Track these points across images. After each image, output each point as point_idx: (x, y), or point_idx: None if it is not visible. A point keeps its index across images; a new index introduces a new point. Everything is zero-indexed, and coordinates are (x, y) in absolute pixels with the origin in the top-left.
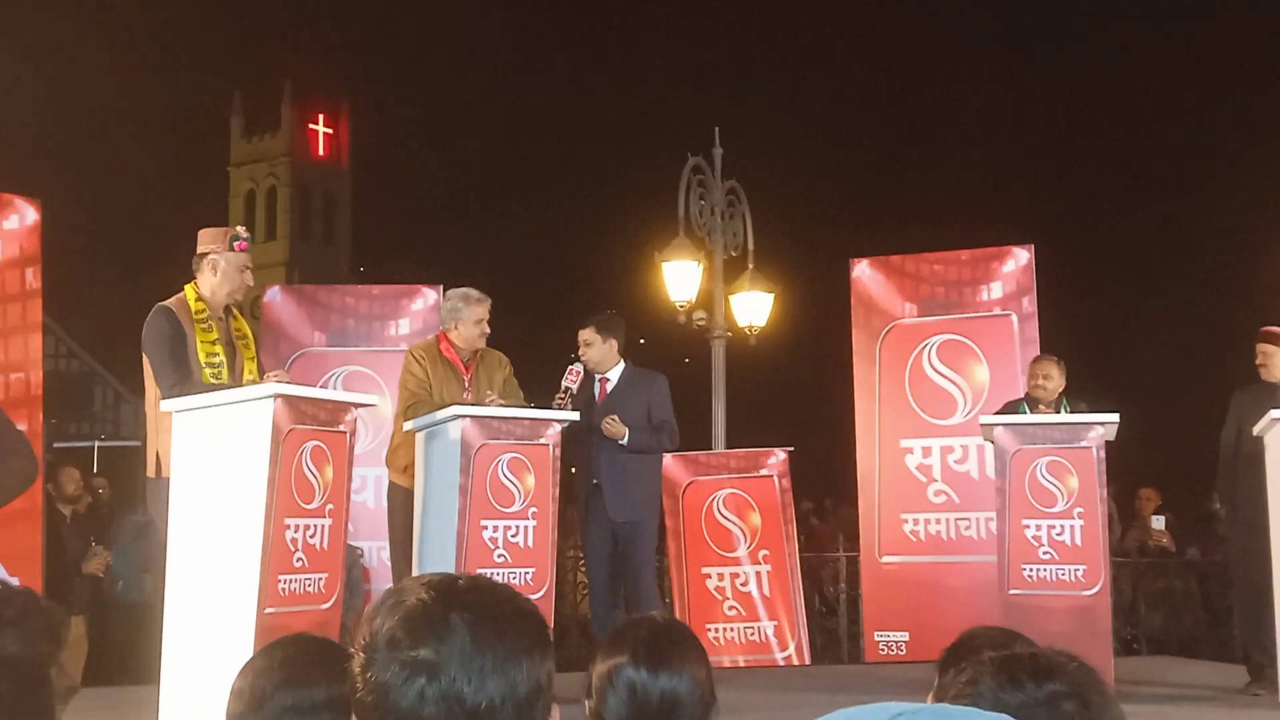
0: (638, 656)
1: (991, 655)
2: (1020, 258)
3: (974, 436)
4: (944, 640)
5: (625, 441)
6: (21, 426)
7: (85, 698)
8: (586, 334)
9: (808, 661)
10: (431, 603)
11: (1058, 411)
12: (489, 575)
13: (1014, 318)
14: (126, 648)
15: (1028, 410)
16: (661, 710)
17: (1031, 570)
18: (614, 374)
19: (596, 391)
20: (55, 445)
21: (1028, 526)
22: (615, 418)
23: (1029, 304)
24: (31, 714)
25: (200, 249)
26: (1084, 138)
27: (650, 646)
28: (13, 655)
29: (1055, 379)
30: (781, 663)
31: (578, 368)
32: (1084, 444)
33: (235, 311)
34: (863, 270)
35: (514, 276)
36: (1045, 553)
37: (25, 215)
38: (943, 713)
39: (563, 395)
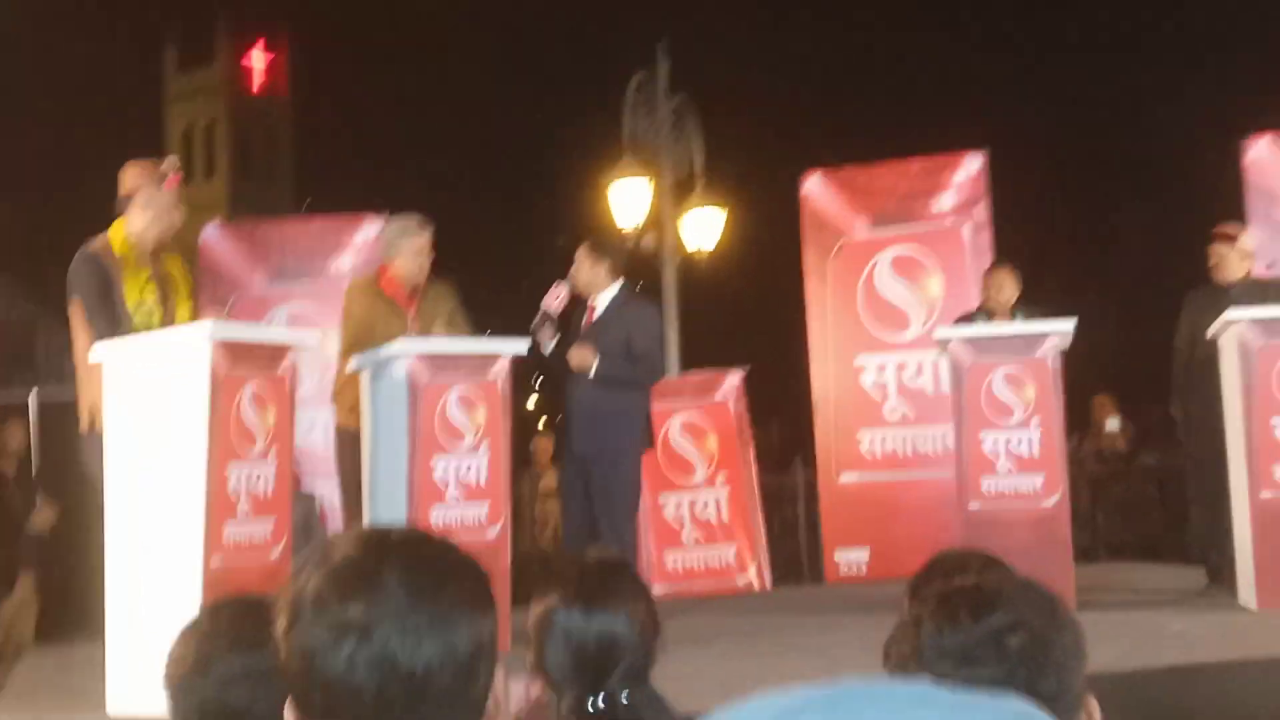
0: (568, 598)
1: (937, 590)
2: (972, 165)
3: (929, 351)
4: (905, 558)
5: (593, 374)
6: None
7: (36, 657)
8: (579, 253)
9: (769, 586)
10: (361, 557)
11: (1013, 321)
12: (442, 512)
13: (966, 227)
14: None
15: (985, 321)
16: (600, 650)
17: (990, 483)
18: (603, 299)
19: (585, 318)
20: None
21: (984, 440)
22: (587, 347)
23: (981, 213)
24: None
25: (127, 187)
26: (1043, 36)
27: (580, 586)
28: None
29: (1008, 289)
30: (742, 587)
31: (561, 289)
32: (1039, 354)
33: (168, 253)
34: (813, 184)
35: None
36: (1004, 465)
37: None
38: (835, 700)
39: (541, 317)
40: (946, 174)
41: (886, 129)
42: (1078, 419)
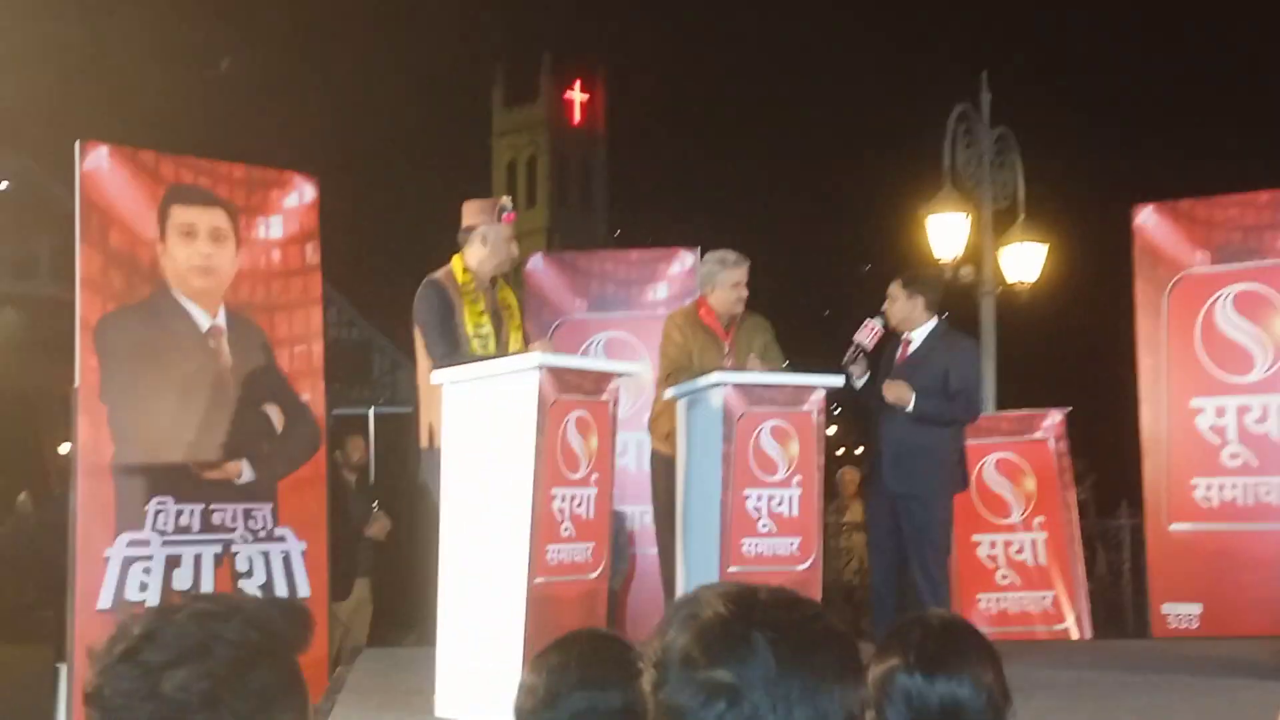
0: (910, 660)
1: None
2: None
3: (1274, 394)
4: (1241, 615)
5: (910, 409)
6: (305, 397)
7: (370, 658)
8: (893, 288)
9: (1089, 635)
10: (731, 618)
11: None
12: (754, 544)
13: None
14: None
15: None
16: (944, 717)
17: None
18: (919, 334)
19: (899, 353)
20: (334, 411)
21: None
22: (902, 382)
23: None
24: (275, 670)
25: (467, 222)
26: None
27: (923, 648)
28: (251, 608)
29: None
30: (1060, 634)
31: (875, 323)
32: None
33: (501, 281)
34: (1147, 217)
35: (773, 238)
36: None
37: (304, 192)
38: None
39: (854, 351)
40: None
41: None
42: None
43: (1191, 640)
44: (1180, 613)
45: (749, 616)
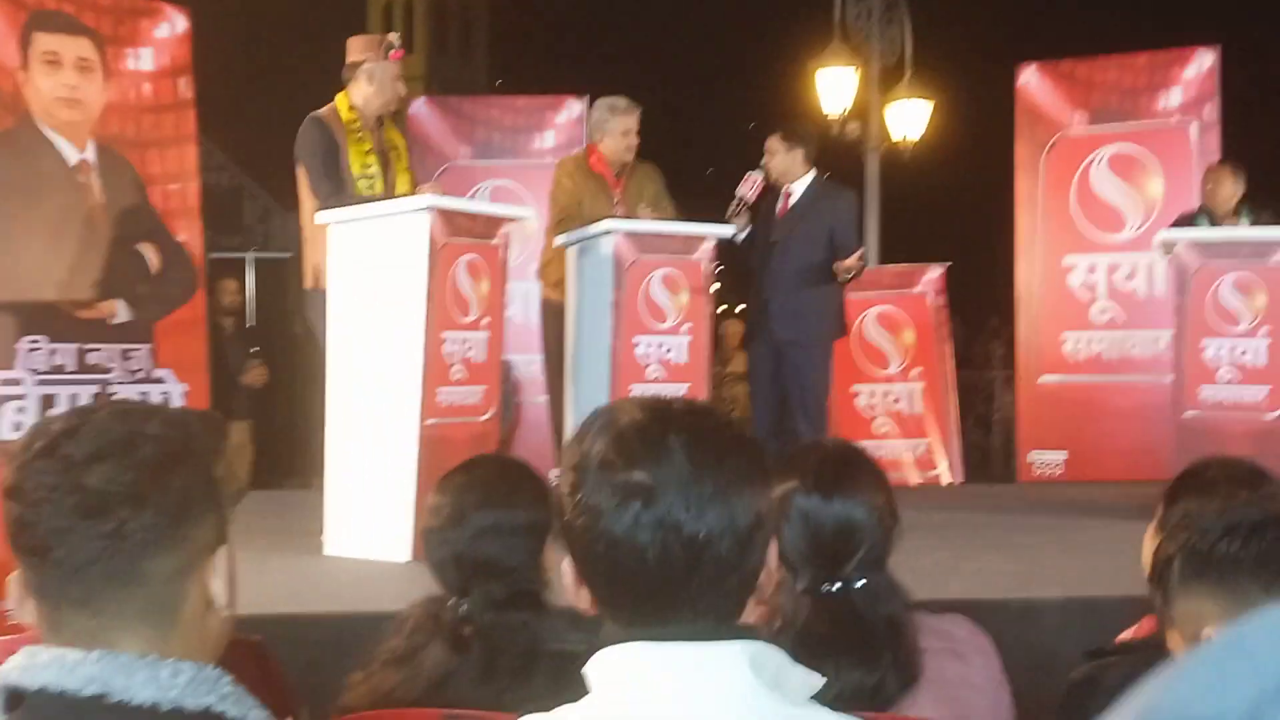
0: (808, 482)
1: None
2: (1203, 61)
3: (1144, 253)
4: (1104, 462)
5: (850, 276)
6: (181, 237)
7: (253, 500)
8: (772, 141)
9: (961, 480)
10: (647, 423)
11: (1235, 222)
12: (643, 390)
13: (1193, 127)
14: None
15: (1207, 223)
16: (838, 536)
17: (1210, 391)
18: (799, 186)
19: (779, 205)
20: (211, 255)
21: (1206, 347)
22: (857, 255)
23: (1211, 112)
24: (194, 469)
25: (352, 58)
26: None
27: (820, 472)
28: (170, 413)
29: (1227, 187)
30: (933, 481)
31: (756, 175)
32: (1274, 260)
33: (388, 121)
34: (1029, 76)
35: (660, 86)
36: (1226, 374)
37: (175, 24)
38: None
39: (737, 204)
40: (1174, 70)
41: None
42: None
43: (1056, 485)
44: (1046, 460)
45: (665, 422)
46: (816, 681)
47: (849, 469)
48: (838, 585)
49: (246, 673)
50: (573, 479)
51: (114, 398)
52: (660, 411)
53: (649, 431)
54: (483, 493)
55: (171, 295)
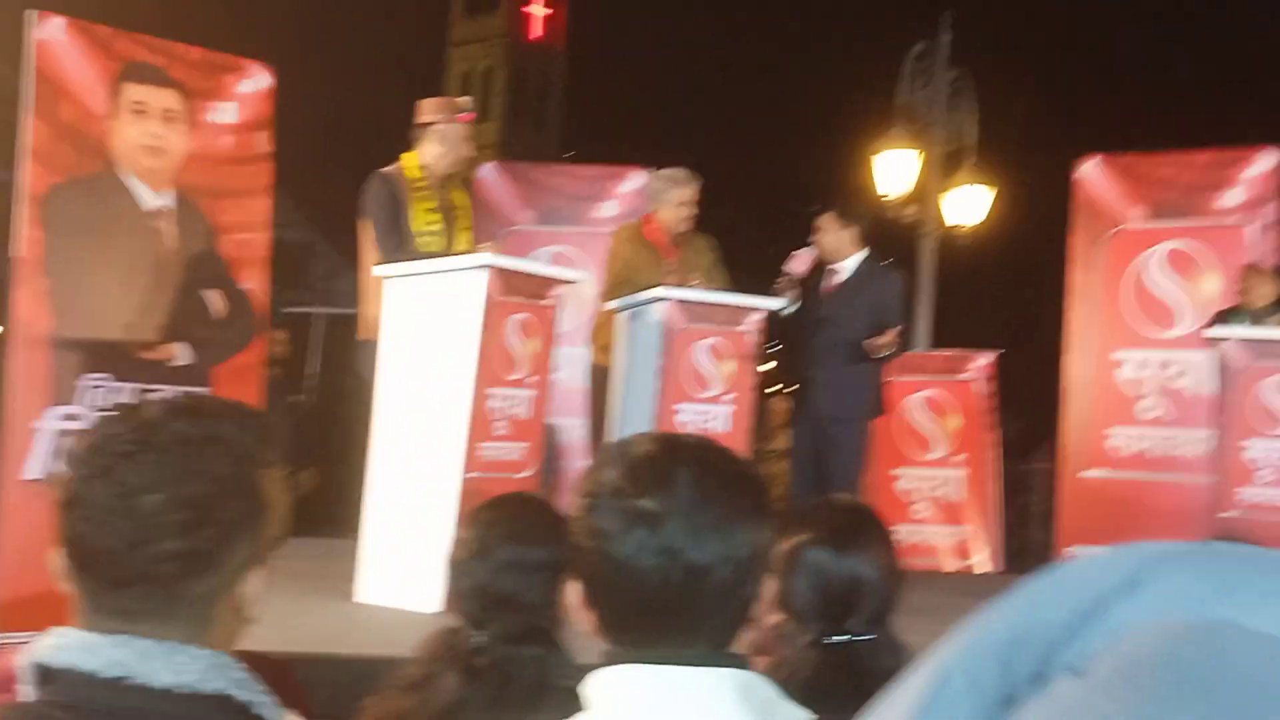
0: (819, 537)
1: None
2: (1265, 162)
3: (1194, 351)
4: None
5: (883, 354)
6: (247, 285)
7: (289, 547)
8: (824, 219)
9: (1002, 568)
10: (657, 454)
11: (1274, 322)
12: None
13: (1251, 227)
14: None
15: (1246, 321)
16: (846, 590)
17: (1248, 493)
18: (848, 265)
19: (826, 282)
20: (282, 310)
21: (1248, 447)
22: (890, 335)
23: (1271, 213)
24: (244, 499)
25: (422, 118)
26: None
27: (832, 526)
28: (229, 436)
29: (1263, 288)
30: (973, 568)
31: (805, 252)
32: None
33: (455, 182)
34: (1089, 169)
35: (724, 163)
36: (1266, 475)
37: (259, 80)
38: (1211, 552)
39: (784, 279)
40: (1235, 169)
41: (1169, 119)
42: None
43: None
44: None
45: (674, 454)
46: (803, 717)
47: (859, 526)
48: (843, 638)
49: (266, 682)
50: (585, 504)
51: (177, 403)
52: (671, 444)
53: (658, 462)
54: (507, 528)
55: (233, 341)
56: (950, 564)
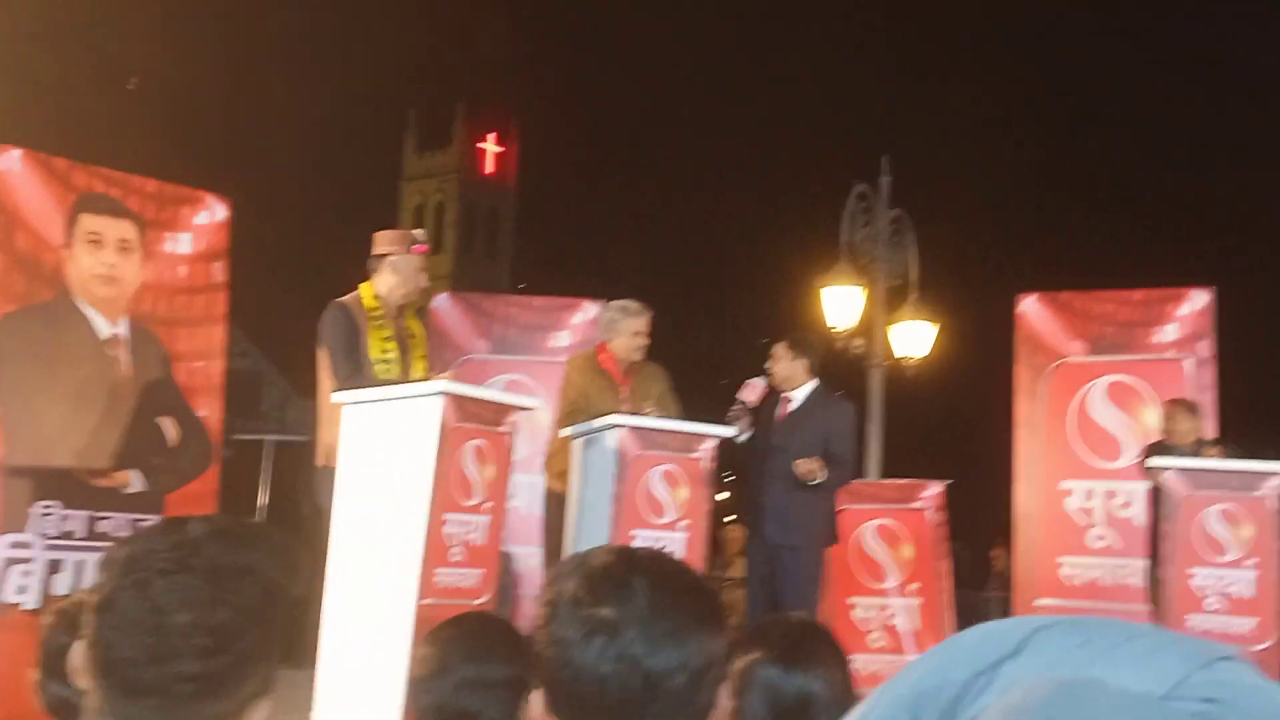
0: (772, 653)
1: None
2: (1198, 300)
3: (1139, 481)
4: None
5: (816, 481)
6: (201, 413)
7: None
8: (778, 348)
9: None
10: (614, 565)
11: (1196, 455)
12: None
13: (1189, 362)
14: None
15: (1176, 455)
16: (798, 708)
17: (1197, 620)
18: (799, 394)
19: (779, 410)
20: (231, 438)
21: (1194, 575)
22: (818, 462)
23: (1206, 348)
24: (265, 631)
25: (378, 250)
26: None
27: (784, 644)
28: (261, 567)
29: (1183, 424)
30: None
31: (757, 382)
32: (1260, 492)
33: (409, 312)
34: (1029, 305)
35: (674, 295)
36: (1212, 603)
37: (215, 212)
38: (1083, 623)
39: (738, 407)
40: (1170, 306)
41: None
42: None
43: None
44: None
45: (630, 565)
46: None
47: (810, 643)
48: None
49: None
50: (546, 613)
51: (218, 525)
52: (627, 556)
53: (615, 572)
54: (467, 646)
55: (186, 469)
56: None
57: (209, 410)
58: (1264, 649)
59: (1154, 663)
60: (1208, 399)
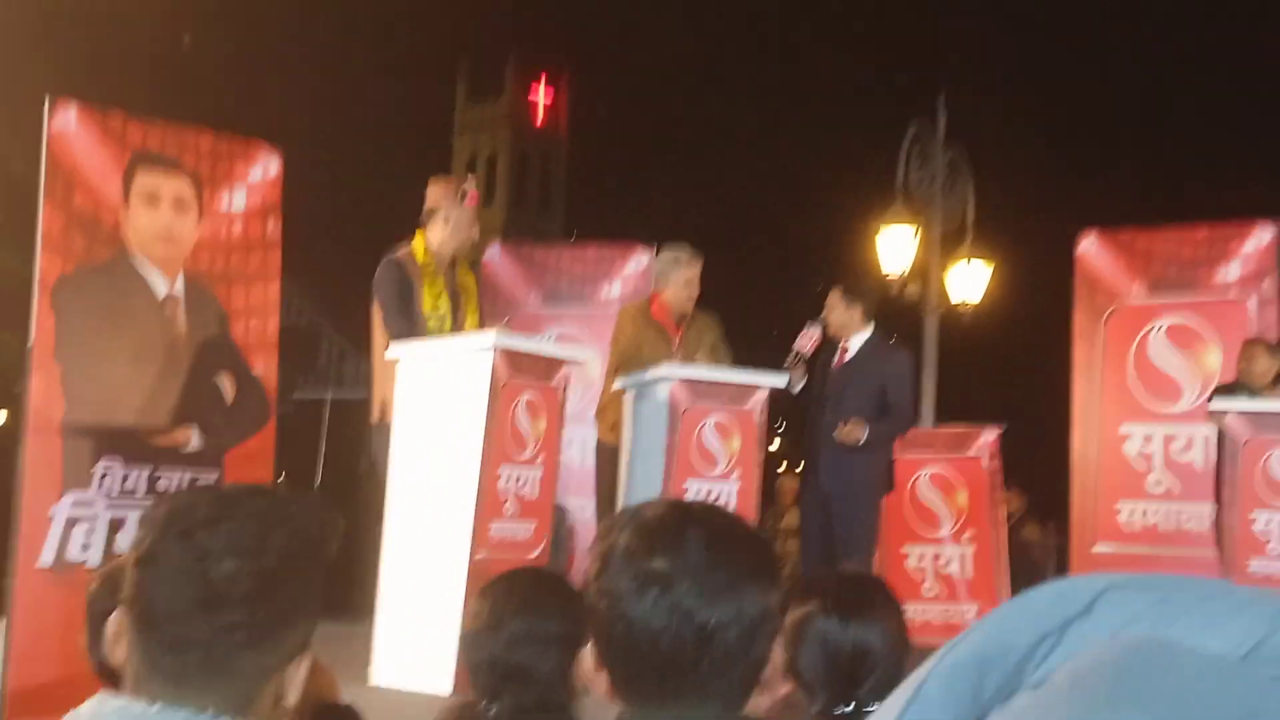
0: (827, 606)
1: None
2: (1263, 236)
3: (1200, 425)
4: None
5: (861, 442)
6: (258, 370)
7: None
8: (832, 296)
9: None
10: (668, 517)
11: (1275, 395)
12: None
13: (1252, 301)
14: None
15: (1246, 395)
16: (854, 660)
17: (1259, 564)
18: (855, 342)
19: (835, 359)
20: (292, 397)
21: (1256, 519)
22: (856, 421)
23: (1269, 286)
24: (305, 584)
25: (430, 203)
26: None
27: (839, 596)
28: (299, 521)
29: (1262, 362)
30: None
31: (814, 329)
32: None
33: (462, 264)
34: (1089, 245)
35: (727, 242)
36: (1275, 548)
37: (269, 166)
38: (1157, 580)
39: (793, 357)
40: (1234, 243)
41: (1168, 192)
42: None
43: None
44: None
45: (684, 517)
46: None
47: (866, 595)
48: (851, 708)
49: None
50: (598, 566)
51: (252, 485)
52: (680, 508)
53: (669, 524)
54: (520, 601)
55: (244, 425)
56: None
57: (264, 367)
58: None
59: (1232, 624)
60: (1274, 339)
